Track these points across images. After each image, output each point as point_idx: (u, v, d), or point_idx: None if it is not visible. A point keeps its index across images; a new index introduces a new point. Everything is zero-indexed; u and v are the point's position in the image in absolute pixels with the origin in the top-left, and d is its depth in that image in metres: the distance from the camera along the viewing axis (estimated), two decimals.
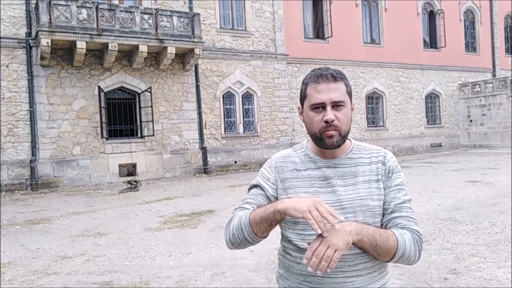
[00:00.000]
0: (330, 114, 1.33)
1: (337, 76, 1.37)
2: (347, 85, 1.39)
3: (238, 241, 1.37)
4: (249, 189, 1.51)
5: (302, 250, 1.35)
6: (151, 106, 14.36)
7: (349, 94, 1.39)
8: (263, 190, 1.45)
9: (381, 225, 1.41)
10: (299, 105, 1.47)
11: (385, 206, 1.39)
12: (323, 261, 1.17)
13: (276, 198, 1.43)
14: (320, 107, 1.35)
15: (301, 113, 1.44)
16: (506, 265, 4.28)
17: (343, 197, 1.36)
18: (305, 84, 1.41)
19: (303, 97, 1.42)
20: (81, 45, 12.28)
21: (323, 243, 1.19)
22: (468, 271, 4.16)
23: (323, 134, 1.35)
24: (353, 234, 1.24)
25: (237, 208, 1.44)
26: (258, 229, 1.32)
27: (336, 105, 1.34)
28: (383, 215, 1.39)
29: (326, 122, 1.33)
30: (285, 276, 1.44)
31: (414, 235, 1.35)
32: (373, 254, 1.31)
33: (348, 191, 1.36)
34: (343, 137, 1.37)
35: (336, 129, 1.34)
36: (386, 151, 1.48)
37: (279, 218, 1.29)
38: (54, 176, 12.95)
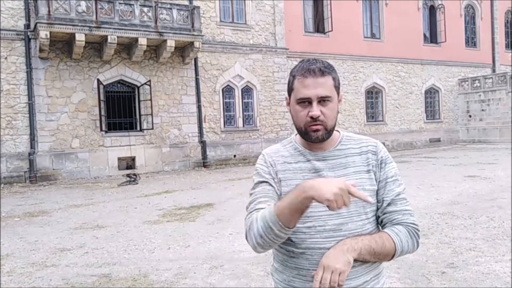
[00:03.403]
0: (316, 110, 1.33)
1: (324, 71, 1.35)
2: (334, 79, 1.37)
3: (269, 241, 1.28)
4: (254, 187, 1.44)
5: (295, 244, 1.36)
6: (151, 100, 14.33)
7: (337, 87, 1.38)
8: (271, 185, 1.42)
9: (377, 218, 1.41)
10: (287, 95, 1.46)
11: (380, 197, 1.40)
12: (331, 287, 1.21)
13: (278, 191, 1.41)
14: (306, 101, 1.34)
15: (288, 103, 1.44)
16: (504, 259, 4.29)
17: None
18: (292, 76, 1.39)
19: (290, 89, 1.41)
20: (80, 38, 12.22)
21: (326, 270, 1.21)
22: (466, 265, 4.18)
23: (308, 128, 1.35)
24: (350, 251, 1.26)
25: (251, 212, 1.35)
26: (289, 221, 1.23)
27: (322, 100, 1.34)
28: (378, 208, 1.40)
29: (311, 117, 1.33)
30: (280, 270, 1.44)
31: (410, 229, 1.37)
32: (374, 260, 1.35)
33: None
34: (329, 132, 1.37)
35: (322, 123, 1.34)
36: (376, 141, 1.47)
37: (308, 204, 1.21)
38: (53, 169, 12.95)
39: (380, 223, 1.42)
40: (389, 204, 1.39)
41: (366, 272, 1.35)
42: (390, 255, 1.35)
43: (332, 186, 1.15)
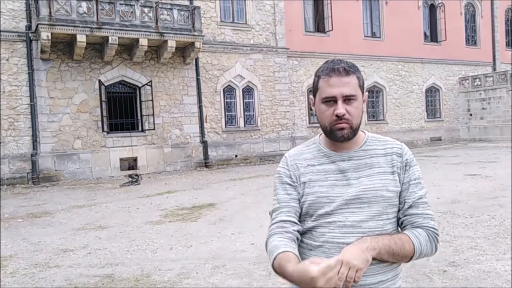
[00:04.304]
0: (341, 108, 1.34)
1: (349, 70, 1.37)
2: (359, 78, 1.39)
3: None
4: (276, 192, 1.48)
5: (314, 238, 1.39)
6: (152, 100, 14.35)
7: (361, 87, 1.40)
8: (291, 191, 1.44)
9: (398, 219, 1.43)
10: (312, 96, 1.48)
11: (401, 200, 1.41)
12: (347, 282, 1.21)
13: (299, 195, 1.43)
14: (331, 100, 1.36)
15: (314, 104, 1.46)
16: (505, 257, 4.31)
17: (358, 188, 1.37)
18: (317, 76, 1.41)
19: (315, 90, 1.43)
20: (81, 39, 12.24)
21: (344, 265, 1.21)
22: (467, 264, 4.19)
23: (333, 127, 1.37)
24: (370, 250, 1.27)
25: (271, 231, 1.40)
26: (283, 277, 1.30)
27: (347, 99, 1.35)
28: (400, 209, 1.42)
29: (337, 116, 1.35)
30: None
31: (430, 233, 1.39)
32: (392, 261, 1.36)
33: (363, 182, 1.38)
34: (354, 130, 1.39)
35: (347, 122, 1.36)
36: (402, 144, 1.49)
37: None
38: (55, 170, 12.98)
39: (400, 225, 1.43)
40: (410, 207, 1.40)
41: (383, 271, 1.36)
42: (408, 257, 1.36)
43: (310, 272, 1.15)
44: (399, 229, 1.44)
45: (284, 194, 1.45)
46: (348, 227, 1.34)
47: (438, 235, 1.42)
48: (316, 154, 1.46)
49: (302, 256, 1.42)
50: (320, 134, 1.51)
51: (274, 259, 1.31)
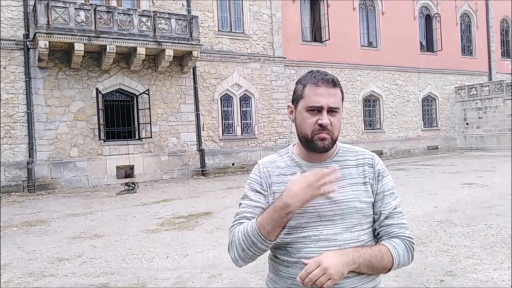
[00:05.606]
0: (325, 118, 1.35)
1: (336, 82, 1.39)
2: (342, 92, 1.42)
3: (251, 254, 1.34)
4: (243, 198, 1.47)
5: (290, 254, 1.37)
6: (149, 108, 14.36)
7: (342, 100, 1.42)
8: (259, 198, 1.42)
9: (374, 230, 1.43)
10: (290, 104, 1.47)
11: (377, 210, 1.42)
12: (314, 284, 1.21)
13: (268, 204, 1.40)
14: (316, 110, 1.36)
15: (292, 112, 1.45)
16: (502, 267, 4.30)
17: (330, 200, 1.35)
18: (303, 84, 1.41)
19: (298, 97, 1.41)
20: (79, 47, 12.27)
21: (320, 268, 1.22)
22: (464, 273, 4.18)
23: (315, 137, 1.36)
24: (350, 264, 1.28)
25: (234, 225, 1.40)
26: (269, 234, 1.28)
27: (331, 110, 1.36)
28: (375, 220, 1.42)
29: (320, 125, 1.35)
30: (274, 280, 1.44)
31: (406, 242, 1.40)
32: (370, 273, 1.36)
33: (335, 194, 1.35)
34: (334, 142, 1.39)
35: (329, 133, 1.36)
36: (373, 154, 1.49)
37: (287, 219, 1.27)
38: (51, 178, 12.92)
39: (376, 235, 1.43)
40: (386, 218, 1.41)
41: (361, 283, 1.35)
42: (387, 269, 1.37)
43: (303, 191, 1.24)
44: (375, 239, 1.44)
45: (251, 201, 1.42)
46: (323, 241, 1.33)
47: (414, 244, 1.42)
48: (289, 163, 1.45)
49: (279, 273, 1.41)
50: (294, 144, 1.50)
51: (257, 227, 1.29)
